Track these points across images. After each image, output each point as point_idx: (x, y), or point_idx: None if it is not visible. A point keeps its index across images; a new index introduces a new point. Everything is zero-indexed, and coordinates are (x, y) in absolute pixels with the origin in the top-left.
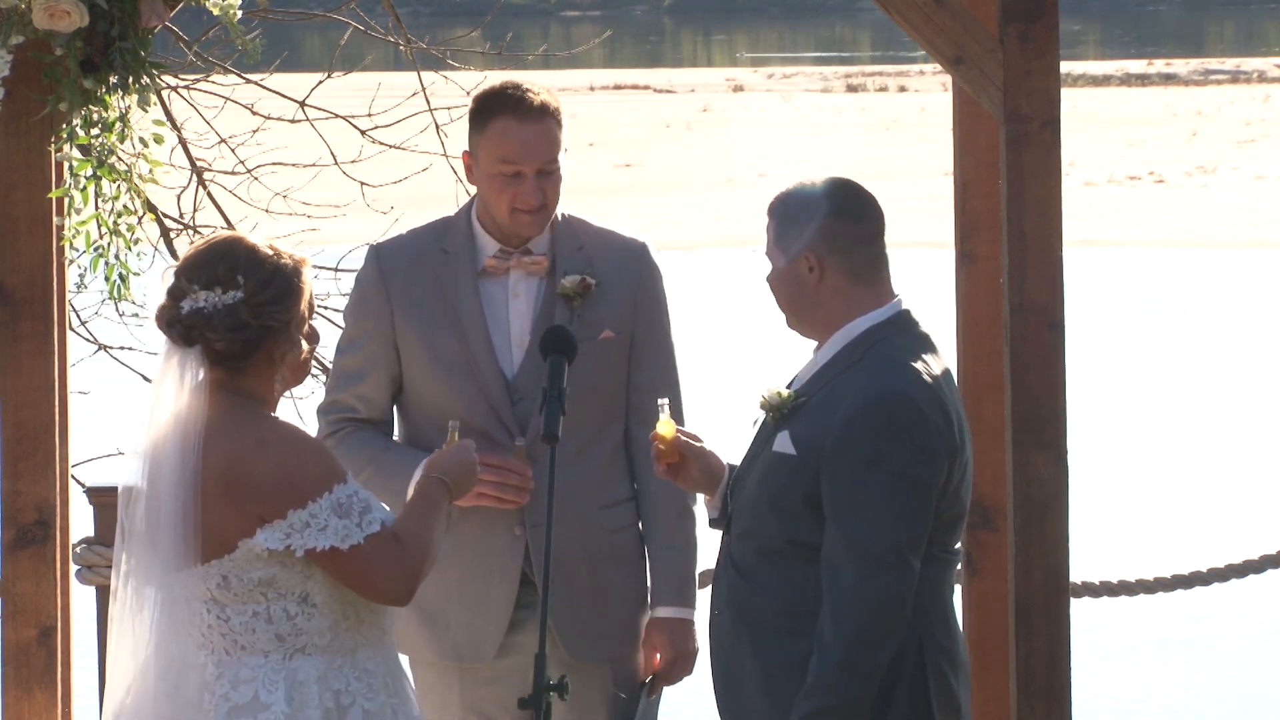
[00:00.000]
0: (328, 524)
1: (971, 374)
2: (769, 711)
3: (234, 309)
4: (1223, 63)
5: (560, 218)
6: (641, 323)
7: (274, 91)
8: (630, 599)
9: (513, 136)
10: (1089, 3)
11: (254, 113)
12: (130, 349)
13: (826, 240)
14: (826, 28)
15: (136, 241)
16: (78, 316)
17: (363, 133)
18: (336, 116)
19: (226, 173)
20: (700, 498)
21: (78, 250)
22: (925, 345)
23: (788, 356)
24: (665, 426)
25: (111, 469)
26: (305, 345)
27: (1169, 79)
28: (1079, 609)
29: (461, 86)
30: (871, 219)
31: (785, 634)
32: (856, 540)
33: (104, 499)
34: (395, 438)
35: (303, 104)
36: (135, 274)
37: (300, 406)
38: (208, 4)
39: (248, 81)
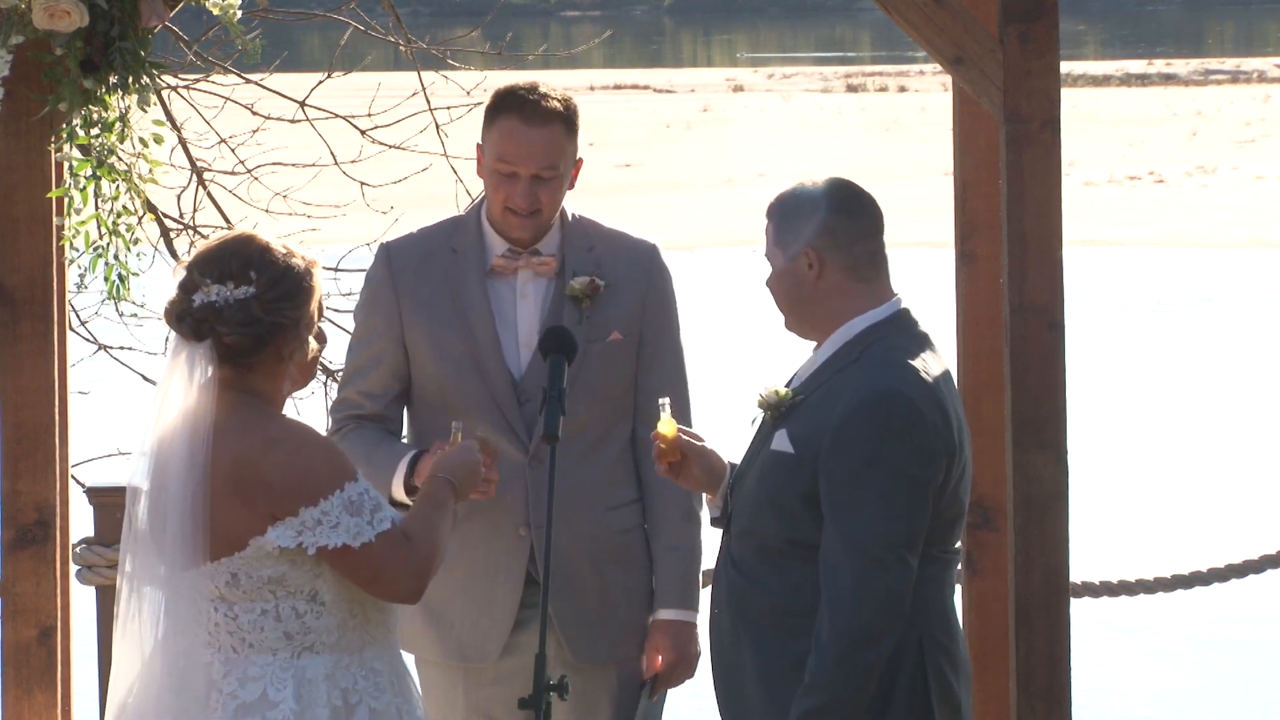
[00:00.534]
0: (339, 521)
1: (971, 374)
2: (768, 710)
3: (245, 304)
4: (1223, 63)
5: (571, 218)
6: (650, 325)
7: (274, 91)
8: (635, 600)
9: (514, 137)
10: (1089, 3)
11: (254, 113)
12: (130, 349)
13: (826, 237)
14: (826, 28)
15: (136, 241)
16: (78, 316)
17: (363, 133)
18: (336, 116)
19: (226, 173)
20: (704, 498)
21: (78, 250)
22: (924, 344)
23: (788, 356)
24: (666, 425)
25: (112, 469)
26: (314, 345)
27: (1169, 79)
28: (1079, 609)
29: (461, 86)
30: (871, 217)
31: (784, 633)
32: (854, 539)
33: (104, 499)
34: (404, 438)
35: (303, 104)
36: (135, 274)
37: (300, 407)
38: (208, 4)
39: (248, 81)
